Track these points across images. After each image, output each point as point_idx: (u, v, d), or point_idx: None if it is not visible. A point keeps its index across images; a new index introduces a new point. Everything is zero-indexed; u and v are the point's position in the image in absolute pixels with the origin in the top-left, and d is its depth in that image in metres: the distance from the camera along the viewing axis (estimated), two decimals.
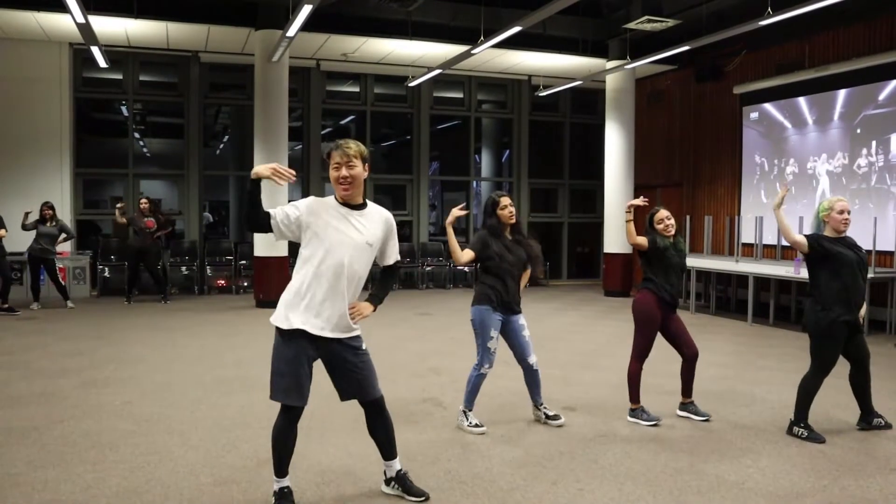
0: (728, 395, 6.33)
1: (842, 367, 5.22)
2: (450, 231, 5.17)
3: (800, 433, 5.12)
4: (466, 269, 14.74)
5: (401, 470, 3.98)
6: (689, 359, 5.52)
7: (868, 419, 5.35)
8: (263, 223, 3.58)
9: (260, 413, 5.58)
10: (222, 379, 6.75)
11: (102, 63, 11.63)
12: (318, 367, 3.72)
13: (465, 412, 5.24)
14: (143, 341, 8.65)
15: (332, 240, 3.58)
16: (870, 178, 10.90)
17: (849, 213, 5.19)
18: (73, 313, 10.81)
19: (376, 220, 3.74)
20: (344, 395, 3.81)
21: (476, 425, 5.17)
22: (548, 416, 5.38)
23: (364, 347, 3.77)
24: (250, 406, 5.80)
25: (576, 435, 5.15)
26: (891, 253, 10.08)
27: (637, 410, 5.49)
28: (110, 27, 11.44)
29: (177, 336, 9.04)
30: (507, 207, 5.18)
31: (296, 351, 3.61)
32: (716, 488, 4.17)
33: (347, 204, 3.67)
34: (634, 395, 5.50)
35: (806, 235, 5.21)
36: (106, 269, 13.10)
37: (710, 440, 5.08)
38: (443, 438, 5.03)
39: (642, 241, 5.42)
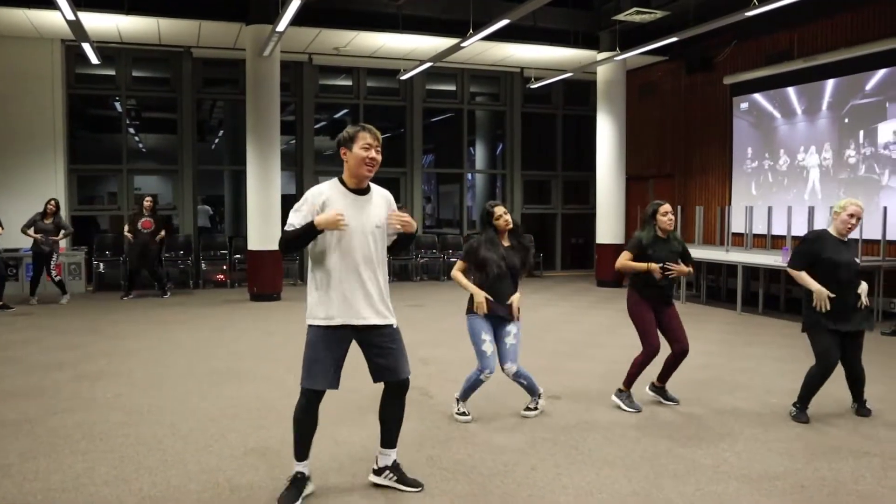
0: (712, 382, 6.43)
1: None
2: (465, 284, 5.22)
3: (791, 411, 5.32)
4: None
5: (396, 460, 4.04)
6: (677, 354, 5.61)
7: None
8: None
9: (249, 404, 5.69)
10: (214, 371, 6.85)
11: (94, 59, 11.70)
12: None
13: (457, 399, 5.36)
14: (137, 335, 8.74)
15: (351, 230, 3.67)
16: (858, 167, 10.99)
17: (858, 219, 5.26)
18: (68, 308, 10.90)
19: (380, 202, 3.85)
20: (377, 376, 3.86)
21: (462, 413, 5.28)
22: (526, 408, 5.45)
23: (396, 326, 3.86)
24: (241, 398, 5.90)
25: (559, 422, 5.25)
26: (878, 242, 10.16)
27: (623, 393, 5.59)
28: (101, 23, 11.49)
29: (170, 330, 9.13)
30: (503, 217, 5.22)
31: (338, 338, 3.71)
32: (691, 472, 4.27)
33: (356, 189, 3.77)
34: (629, 380, 5.60)
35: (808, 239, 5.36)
36: (101, 264, 13.18)
37: (690, 426, 5.18)
38: (427, 426, 5.13)
39: (639, 266, 5.50)
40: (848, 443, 4.80)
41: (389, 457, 4.03)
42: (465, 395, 5.33)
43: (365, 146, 3.71)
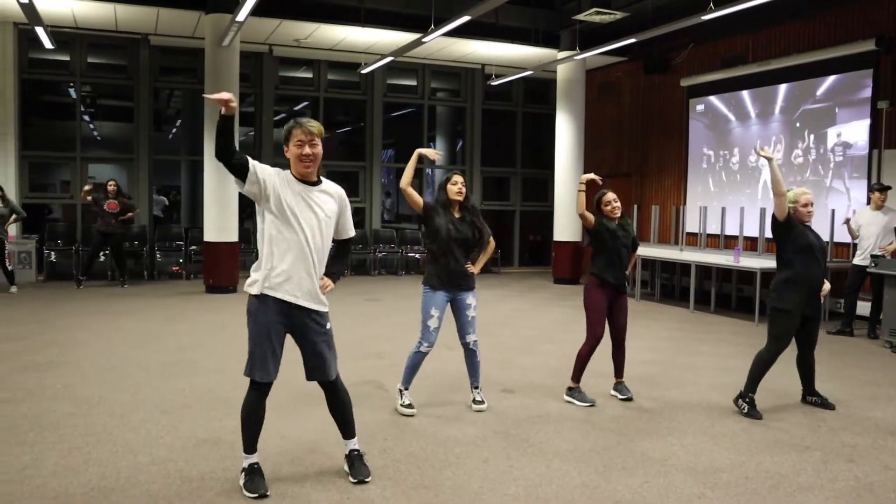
0: (662, 378, 6.55)
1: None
2: (415, 156, 5.24)
3: (742, 406, 5.42)
4: (417, 255, 14.86)
5: (354, 450, 4.07)
6: (615, 344, 5.77)
7: (806, 397, 5.79)
8: (240, 163, 3.60)
9: (201, 396, 5.65)
10: (166, 363, 6.78)
11: (48, 44, 11.47)
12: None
13: (401, 391, 5.36)
14: (88, 326, 8.60)
15: (291, 216, 3.69)
16: (805, 170, 11.25)
17: (812, 205, 5.49)
18: (17, 298, 10.67)
19: (330, 195, 3.86)
20: (308, 374, 3.91)
21: (408, 405, 5.28)
22: (474, 401, 5.45)
23: (328, 327, 3.88)
24: (192, 389, 5.86)
25: (511, 416, 5.30)
26: (826, 243, 10.39)
27: (574, 390, 5.67)
28: (56, 7, 11.25)
29: (123, 321, 9.00)
30: (458, 184, 5.26)
31: (266, 323, 3.74)
32: (640, 464, 4.36)
33: (304, 181, 3.77)
34: (576, 374, 5.69)
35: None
36: (52, 253, 12.92)
37: (639, 420, 5.28)
38: (380, 419, 5.15)
39: (590, 216, 5.61)
40: (791, 437, 4.93)
41: (347, 446, 4.08)
42: (408, 380, 5.34)
43: (298, 143, 3.71)
